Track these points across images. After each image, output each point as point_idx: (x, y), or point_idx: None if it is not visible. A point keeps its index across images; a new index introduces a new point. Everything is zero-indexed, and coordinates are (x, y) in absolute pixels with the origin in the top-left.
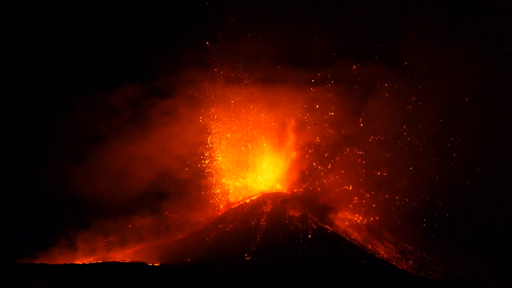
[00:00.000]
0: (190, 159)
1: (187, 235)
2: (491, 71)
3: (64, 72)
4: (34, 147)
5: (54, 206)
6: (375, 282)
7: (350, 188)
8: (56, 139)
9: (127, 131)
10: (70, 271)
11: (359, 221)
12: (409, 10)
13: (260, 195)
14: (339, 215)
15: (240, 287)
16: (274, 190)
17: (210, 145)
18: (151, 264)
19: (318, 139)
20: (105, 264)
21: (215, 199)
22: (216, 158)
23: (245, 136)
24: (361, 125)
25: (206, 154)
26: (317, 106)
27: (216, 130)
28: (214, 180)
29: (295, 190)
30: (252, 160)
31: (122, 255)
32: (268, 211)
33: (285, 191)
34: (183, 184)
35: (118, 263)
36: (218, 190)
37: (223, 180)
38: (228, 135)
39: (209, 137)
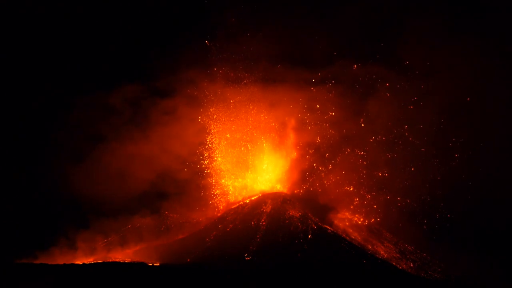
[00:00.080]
0: (190, 159)
1: (187, 235)
2: (491, 71)
3: (64, 72)
4: (34, 147)
5: (54, 206)
6: (375, 282)
7: (351, 189)
8: (56, 139)
9: (127, 131)
10: (70, 271)
11: (360, 222)
12: (409, 10)
13: (260, 195)
14: (339, 215)
15: (240, 287)
16: (274, 191)
17: (209, 145)
18: (151, 264)
19: (318, 139)
20: (105, 264)
21: (214, 200)
22: (215, 158)
23: (244, 136)
24: (362, 125)
25: (205, 155)
26: (318, 106)
27: (215, 130)
28: (213, 180)
29: (296, 191)
30: (252, 160)
31: (122, 255)
32: (268, 211)
33: (285, 191)
34: (183, 184)
35: (118, 263)
36: (217, 191)
37: (223, 180)
38: (228, 135)
39: (209, 137)
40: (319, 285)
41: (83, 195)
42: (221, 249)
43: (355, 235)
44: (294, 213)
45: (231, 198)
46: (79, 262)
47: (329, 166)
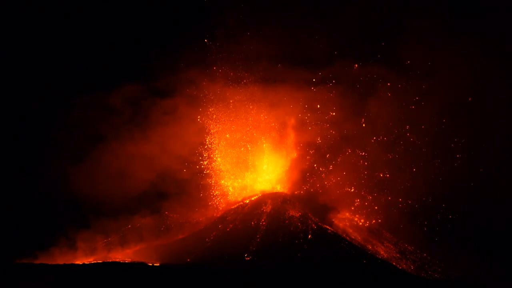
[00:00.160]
0: (191, 159)
1: (187, 235)
2: (492, 71)
3: (64, 72)
4: (34, 147)
5: (54, 206)
6: (375, 282)
7: (352, 190)
8: (56, 139)
9: (127, 131)
10: (70, 271)
11: (360, 223)
12: (410, 10)
13: (260, 195)
14: (340, 215)
15: (240, 287)
16: (274, 191)
17: (208, 145)
18: (151, 264)
19: (319, 140)
20: (105, 264)
21: (214, 201)
22: (215, 158)
23: (244, 137)
24: (363, 125)
25: (205, 155)
26: (318, 106)
27: (215, 130)
28: (213, 181)
29: (296, 192)
30: (252, 161)
31: (122, 255)
32: (268, 211)
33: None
34: (183, 184)
35: (118, 263)
36: (217, 192)
37: (222, 181)
38: (227, 135)
39: (208, 137)
40: (319, 285)
41: (83, 195)
42: (221, 249)
43: (355, 235)
44: (294, 213)
45: (231, 199)
46: (79, 262)
47: (329, 167)
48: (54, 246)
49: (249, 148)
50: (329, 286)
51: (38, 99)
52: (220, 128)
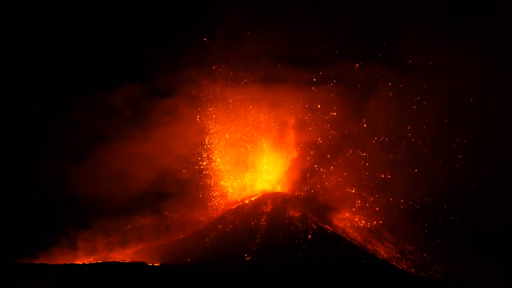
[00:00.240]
0: (191, 159)
1: (187, 235)
2: (494, 71)
3: (64, 72)
4: (34, 147)
5: (54, 206)
6: (375, 282)
7: (353, 190)
8: (56, 139)
9: (127, 131)
10: (70, 271)
11: (361, 224)
12: (412, 10)
13: (260, 195)
14: (340, 215)
15: (240, 287)
16: (275, 191)
17: (208, 145)
18: (151, 264)
19: (319, 140)
20: (105, 264)
21: (213, 202)
22: (214, 159)
23: (244, 137)
24: (364, 125)
25: (204, 155)
26: (319, 106)
27: (214, 130)
28: (212, 182)
29: (296, 193)
30: (252, 161)
31: (122, 255)
32: (268, 211)
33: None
34: (184, 184)
35: (118, 263)
36: (216, 193)
37: (221, 182)
38: (227, 136)
39: (207, 137)
40: (319, 285)
41: (83, 195)
42: (221, 249)
43: (355, 235)
44: (294, 213)
45: (230, 200)
46: (79, 262)
47: (330, 167)
48: (54, 246)
49: (249, 149)
50: (329, 286)
51: (38, 99)
52: (219, 128)
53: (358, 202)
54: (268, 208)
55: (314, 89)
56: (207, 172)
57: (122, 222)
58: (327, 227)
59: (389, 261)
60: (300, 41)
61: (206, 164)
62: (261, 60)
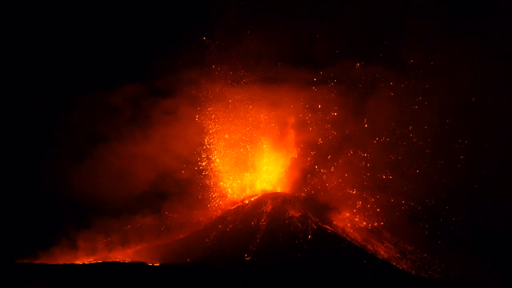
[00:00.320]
0: (191, 159)
1: (187, 235)
2: (496, 71)
3: (64, 72)
4: (34, 147)
5: (54, 206)
6: (375, 282)
7: (354, 191)
8: (56, 139)
9: (127, 131)
10: (70, 271)
11: (362, 225)
12: (414, 9)
13: (260, 195)
14: (340, 215)
15: (240, 287)
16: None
17: (207, 146)
18: (151, 264)
19: (320, 140)
20: (105, 264)
21: (212, 203)
22: (213, 159)
23: (244, 137)
24: (365, 126)
25: (203, 156)
26: (319, 106)
27: (213, 130)
28: (211, 182)
29: (296, 195)
30: (252, 162)
31: (122, 255)
32: (268, 211)
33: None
34: (184, 183)
35: (118, 263)
36: (215, 194)
37: (221, 183)
38: (226, 136)
39: (207, 137)
40: (319, 285)
41: (83, 195)
42: (221, 249)
43: (355, 235)
44: (294, 213)
45: (229, 201)
46: (79, 262)
47: (331, 168)
48: (55, 245)
49: (249, 149)
50: (329, 286)
51: (38, 99)
52: (219, 128)
53: (359, 203)
54: (268, 208)
55: (314, 89)
56: (206, 173)
57: (122, 222)
58: (327, 227)
59: (389, 261)
60: (301, 41)
61: (206, 164)
62: (261, 59)
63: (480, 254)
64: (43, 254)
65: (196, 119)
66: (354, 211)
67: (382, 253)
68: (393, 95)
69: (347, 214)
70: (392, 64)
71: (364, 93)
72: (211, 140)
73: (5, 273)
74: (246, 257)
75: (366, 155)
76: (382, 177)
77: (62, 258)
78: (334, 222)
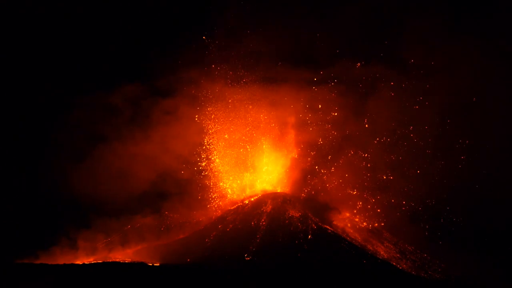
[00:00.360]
0: (191, 159)
1: (187, 235)
2: (497, 71)
3: (64, 72)
4: (34, 147)
5: (54, 206)
6: (375, 282)
7: (354, 192)
8: (56, 139)
9: (127, 131)
10: (70, 271)
11: (363, 226)
12: (416, 9)
13: (260, 195)
14: (340, 216)
15: (240, 287)
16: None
17: (207, 146)
18: (151, 264)
19: (320, 141)
20: (105, 264)
21: (212, 204)
22: (213, 159)
23: (243, 137)
24: (366, 126)
25: (203, 156)
26: (320, 106)
27: (213, 130)
28: (211, 183)
29: (297, 195)
30: (251, 162)
31: (122, 255)
32: (268, 211)
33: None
34: (184, 183)
35: (118, 263)
36: (215, 195)
37: (221, 183)
38: (226, 136)
39: (206, 137)
40: (319, 285)
41: (84, 195)
42: (221, 249)
43: (355, 235)
44: (294, 213)
45: (229, 202)
46: (79, 262)
47: (331, 169)
48: (55, 245)
49: (249, 149)
50: (329, 286)
51: (38, 99)
52: (218, 128)
53: (359, 204)
54: (268, 208)
55: (315, 88)
56: (206, 173)
57: (122, 222)
58: (327, 227)
59: (389, 261)
60: (301, 40)
61: (205, 165)
62: (261, 59)
63: (480, 254)
64: (43, 254)
65: (196, 119)
66: (355, 211)
67: (382, 253)
68: (393, 95)
69: (347, 214)
70: (393, 64)
71: (365, 93)
72: (211, 140)
73: (5, 273)
74: (246, 257)
75: (367, 156)
76: (383, 177)
77: (62, 258)
78: (334, 222)
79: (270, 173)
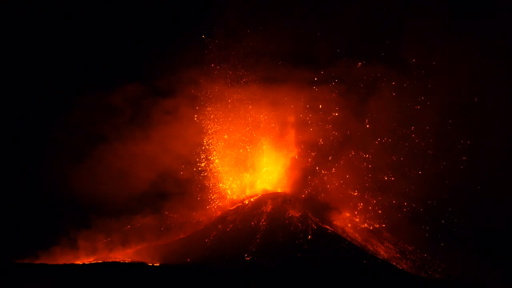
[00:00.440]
0: (191, 159)
1: (187, 235)
2: (499, 71)
3: (64, 72)
4: (34, 147)
5: (54, 206)
6: (375, 282)
7: (355, 193)
8: (56, 139)
9: (128, 131)
10: (70, 271)
11: (364, 227)
12: (417, 7)
13: (260, 195)
14: (340, 216)
15: (240, 287)
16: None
17: (206, 146)
18: (151, 264)
19: (321, 141)
20: (105, 264)
21: (211, 205)
22: (212, 160)
23: (243, 137)
24: (367, 126)
25: (202, 156)
26: (320, 106)
27: (213, 130)
28: (210, 184)
29: (297, 195)
30: (251, 163)
31: (123, 255)
32: (268, 211)
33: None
34: (184, 183)
35: (118, 263)
36: (214, 196)
37: (220, 184)
38: (226, 136)
39: (206, 137)
40: (319, 285)
41: (84, 195)
42: (221, 249)
43: (355, 235)
44: (294, 213)
45: (228, 203)
46: (79, 262)
47: (332, 169)
48: (55, 245)
49: (248, 150)
50: (329, 286)
51: (38, 99)
52: (218, 128)
53: (360, 205)
54: (268, 208)
55: (315, 88)
56: (205, 174)
57: (123, 222)
58: (327, 227)
59: (389, 261)
60: (301, 40)
61: (205, 165)
62: (261, 59)
63: (480, 254)
64: (43, 254)
65: (195, 119)
66: (356, 213)
67: (382, 253)
68: (394, 95)
69: (347, 214)
70: (393, 64)
71: (366, 93)
72: (210, 141)
73: (5, 273)
74: (246, 257)
75: (368, 156)
76: (384, 178)
77: (62, 258)
78: (334, 222)
79: (270, 173)
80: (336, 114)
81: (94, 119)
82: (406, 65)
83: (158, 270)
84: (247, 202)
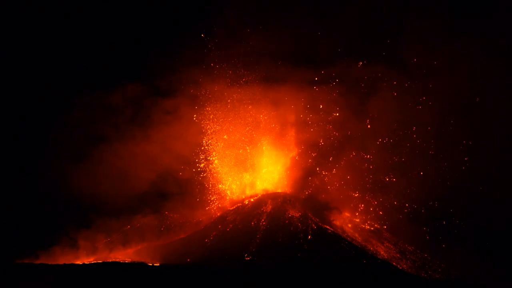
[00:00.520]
0: (192, 159)
1: (187, 235)
2: (499, 71)
3: (64, 72)
4: (34, 147)
5: (54, 206)
6: (375, 282)
7: (356, 194)
8: (56, 139)
9: (128, 131)
10: (70, 271)
11: (365, 228)
12: (417, 7)
13: (260, 195)
14: (341, 216)
15: (240, 287)
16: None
17: (206, 146)
18: (151, 264)
19: (321, 142)
20: (105, 264)
21: (210, 206)
22: (212, 160)
23: (243, 138)
24: (368, 126)
25: (201, 157)
26: (321, 106)
27: (212, 131)
28: (210, 184)
29: (297, 195)
30: (251, 163)
31: (123, 255)
32: (268, 211)
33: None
34: (184, 183)
35: (118, 263)
36: (214, 197)
37: (220, 185)
38: (225, 136)
39: (205, 138)
40: (319, 285)
41: (84, 195)
42: (221, 249)
43: (355, 235)
44: (294, 213)
45: (228, 204)
46: (79, 262)
47: (332, 170)
48: (55, 245)
49: (248, 150)
50: (329, 286)
51: (38, 99)
52: (218, 128)
53: (361, 206)
54: (268, 208)
55: (315, 88)
56: (205, 174)
57: (123, 222)
58: (327, 227)
59: (389, 261)
60: (301, 40)
61: (204, 166)
62: (261, 59)
63: (480, 254)
64: (43, 254)
65: (194, 118)
66: (357, 214)
67: (382, 253)
68: (395, 95)
69: (348, 214)
70: (394, 64)
71: (366, 93)
72: (210, 141)
73: (5, 273)
74: (246, 257)
75: (369, 157)
76: (385, 179)
77: (63, 258)
78: (334, 222)
79: (270, 174)
80: (337, 114)
81: (94, 119)
82: (406, 65)
83: (158, 270)
84: (247, 202)
